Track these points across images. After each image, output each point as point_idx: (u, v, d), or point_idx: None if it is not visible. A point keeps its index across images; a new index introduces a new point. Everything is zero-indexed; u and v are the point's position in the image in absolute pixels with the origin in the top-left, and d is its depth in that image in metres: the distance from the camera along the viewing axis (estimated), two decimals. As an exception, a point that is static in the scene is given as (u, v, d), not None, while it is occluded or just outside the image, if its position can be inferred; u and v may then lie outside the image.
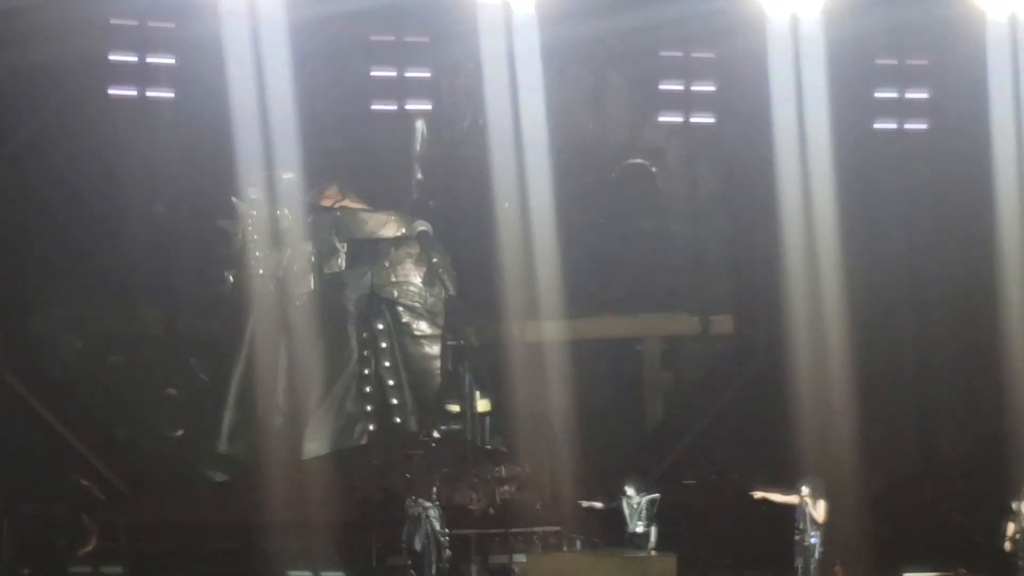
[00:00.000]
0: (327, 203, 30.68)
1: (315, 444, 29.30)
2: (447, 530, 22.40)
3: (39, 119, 28.11)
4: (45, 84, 27.59)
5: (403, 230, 30.57)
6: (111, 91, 27.92)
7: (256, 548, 23.83)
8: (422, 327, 30.39)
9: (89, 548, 24.48)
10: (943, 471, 28.88)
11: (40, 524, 24.86)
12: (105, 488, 26.88)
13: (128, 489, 27.28)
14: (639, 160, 32.08)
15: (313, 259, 30.36)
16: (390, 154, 30.96)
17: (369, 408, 29.99)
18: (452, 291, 30.20)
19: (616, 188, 32.23)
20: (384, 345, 30.31)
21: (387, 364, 30.28)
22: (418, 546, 22.25)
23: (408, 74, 28.72)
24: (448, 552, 22.35)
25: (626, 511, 22.03)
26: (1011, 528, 22.23)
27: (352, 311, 30.46)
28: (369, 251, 30.73)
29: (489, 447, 28.55)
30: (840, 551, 21.57)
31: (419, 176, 31.11)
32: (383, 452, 27.83)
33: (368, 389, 30.04)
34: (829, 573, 19.44)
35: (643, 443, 30.52)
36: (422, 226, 30.63)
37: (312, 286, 30.35)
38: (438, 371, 30.11)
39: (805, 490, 22.14)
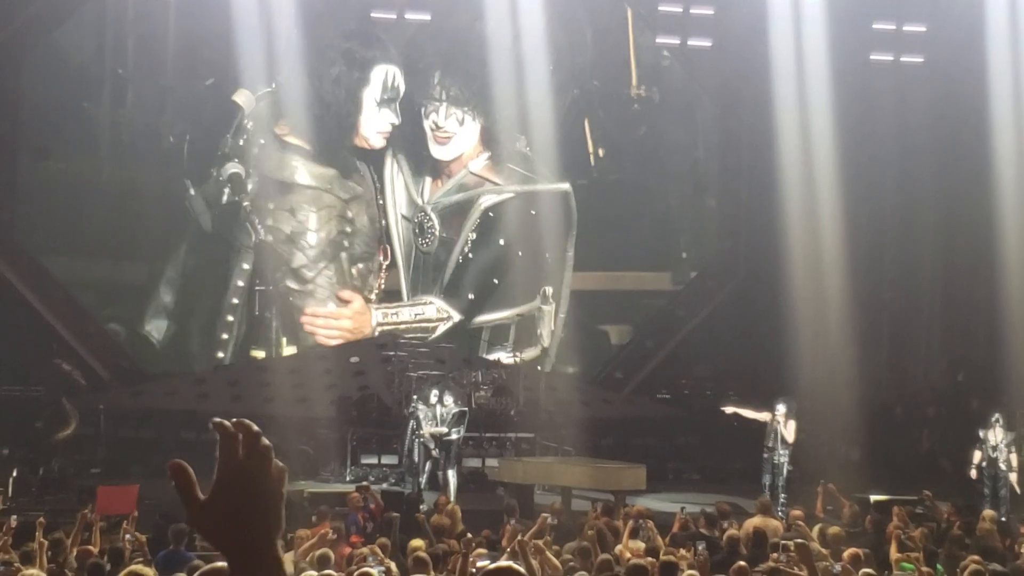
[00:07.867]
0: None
1: None
2: (421, 431, 22.60)
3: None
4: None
5: (297, 179, 28.83)
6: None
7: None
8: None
9: (68, 432, 24.65)
10: (915, 396, 29.13)
11: (19, 406, 25.05)
12: (87, 374, 27.01)
13: (109, 375, 27.36)
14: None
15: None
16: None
17: (230, 319, 28.76)
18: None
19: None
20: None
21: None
22: (406, 446, 22.72)
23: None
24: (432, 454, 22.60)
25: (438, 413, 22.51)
26: (977, 456, 22.49)
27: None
28: (275, 189, 28.87)
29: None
30: (810, 471, 21.81)
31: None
32: (361, 352, 27.91)
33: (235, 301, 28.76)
34: (813, 491, 19.79)
35: (618, 356, 30.66)
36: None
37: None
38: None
39: (780, 409, 22.37)
